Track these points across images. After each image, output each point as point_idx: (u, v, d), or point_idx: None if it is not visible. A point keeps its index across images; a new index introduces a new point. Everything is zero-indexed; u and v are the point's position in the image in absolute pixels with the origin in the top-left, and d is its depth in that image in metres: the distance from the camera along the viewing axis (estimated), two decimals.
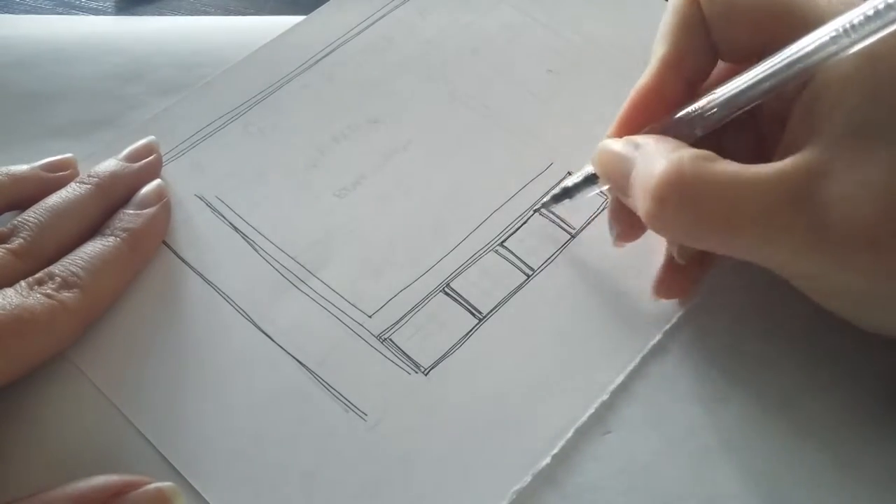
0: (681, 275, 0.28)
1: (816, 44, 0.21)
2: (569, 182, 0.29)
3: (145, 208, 0.29)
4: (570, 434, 0.25)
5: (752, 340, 0.27)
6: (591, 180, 0.28)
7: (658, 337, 0.27)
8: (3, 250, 0.26)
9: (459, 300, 0.29)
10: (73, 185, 0.29)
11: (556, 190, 0.29)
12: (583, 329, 0.28)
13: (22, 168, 0.30)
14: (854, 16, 0.20)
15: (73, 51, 0.36)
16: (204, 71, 0.35)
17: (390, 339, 0.28)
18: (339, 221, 0.31)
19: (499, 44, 0.36)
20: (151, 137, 0.32)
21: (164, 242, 0.30)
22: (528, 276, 0.29)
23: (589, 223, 0.30)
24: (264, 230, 0.30)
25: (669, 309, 0.28)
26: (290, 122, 0.34)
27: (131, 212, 0.29)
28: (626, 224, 0.28)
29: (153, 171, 0.31)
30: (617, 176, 0.26)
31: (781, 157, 0.22)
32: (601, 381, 0.26)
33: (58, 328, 0.26)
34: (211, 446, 0.25)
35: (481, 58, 0.36)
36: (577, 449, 0.25)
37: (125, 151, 0.31)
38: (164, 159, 0.32)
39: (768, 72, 0.23)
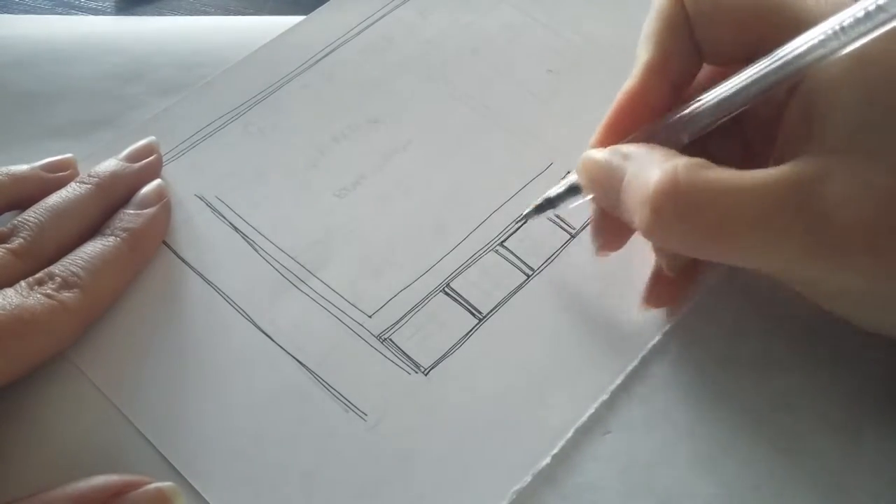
0: (670, 285, 0.28)
1: (807, 46, 0.21)
2: (552, 192, 0.28)
3: (145, 208, 0.29)
4: (570, 434, 0.25)
5: (752, 341, 0.27)
6: (574, 190, 0.27)
7: (658, 337, 0.27)
8: (3, 250, 0.26)
9: (459, 300, 0.29)
10: (73, 185, 0.29)
11: (539, 200, 0.28)
12: (583, 329, 0.28)
13: (22, 168, 0.30)
14: (845, 17, 0.20)
15: (72, 51, 0.36)
16: (204, 71, 0.35)
17: (390, 339, 0.28)
18: (339, 221, 0.31)
19: (499, 44, 0.36)
20: (151, 137, 0.32)
21: (164, 242, 0.30)
22: (528, 276, 0.29)
23: (589, 223, 0.30)
24: (264, 230, 0.30)
25: (669, 310, 0.28)
26: (290, 122, 0.34)
27: (131, 212, 0.29)
28: (610, 235, 0.27)
29: (153, 172, 0.31)
30: (604, 186, 0.25)
31: (777, 163, 0.22)
32: (601, 381, 0.26)
33: (58, 328, 0.26)
34: (211, 446, 0.25)
35: (481, 58, 0.36)
36: (577, 449, 0.25)
37: (125, 151, 0.31)
38: (164, 159, 0.32)
39: (759, 74, 0.22)
